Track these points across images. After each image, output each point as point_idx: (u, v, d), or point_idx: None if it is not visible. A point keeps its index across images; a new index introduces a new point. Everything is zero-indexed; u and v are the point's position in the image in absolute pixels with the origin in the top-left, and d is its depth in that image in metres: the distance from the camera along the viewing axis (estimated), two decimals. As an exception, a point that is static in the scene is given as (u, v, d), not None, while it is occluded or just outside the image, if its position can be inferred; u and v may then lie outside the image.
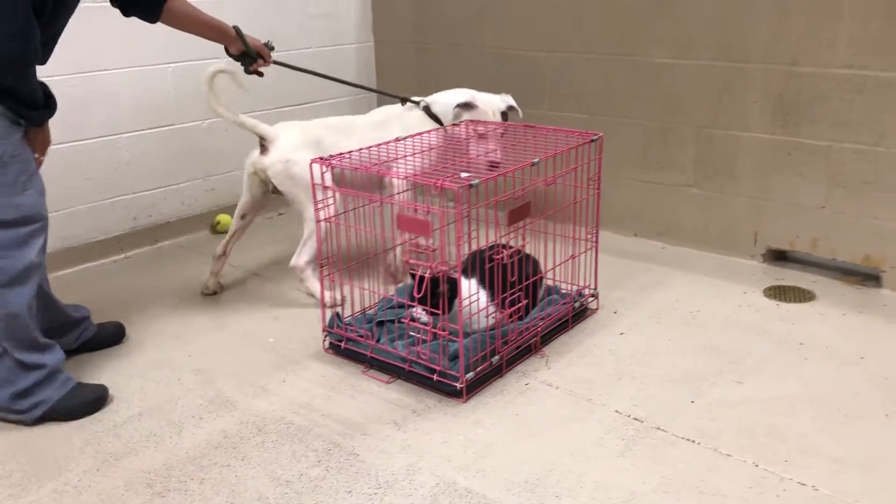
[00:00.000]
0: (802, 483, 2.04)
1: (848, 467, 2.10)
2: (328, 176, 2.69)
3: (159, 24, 2.64)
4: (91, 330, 2.81)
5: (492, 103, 3.25)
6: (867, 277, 3.23)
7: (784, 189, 3.32)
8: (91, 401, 2.45)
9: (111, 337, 2.86)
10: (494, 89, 3.27)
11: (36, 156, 2.41)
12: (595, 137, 2.83)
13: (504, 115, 3.28)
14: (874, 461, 2.12)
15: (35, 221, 2.30)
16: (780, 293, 3.16)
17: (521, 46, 3.96)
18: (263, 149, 3.04)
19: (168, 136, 3.84)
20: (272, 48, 2.98)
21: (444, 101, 3.27)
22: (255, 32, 2.94)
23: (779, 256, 3.46)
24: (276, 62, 3.02)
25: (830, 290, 3.18)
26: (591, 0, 3.66)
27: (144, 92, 3.71)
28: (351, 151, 2.69)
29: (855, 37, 3.00)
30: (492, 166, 2.66)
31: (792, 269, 3.39)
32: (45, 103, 2.39)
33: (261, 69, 2.97)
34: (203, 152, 4.02)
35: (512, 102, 3.30)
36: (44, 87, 2.40)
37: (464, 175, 2.35)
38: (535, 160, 2.56)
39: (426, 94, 3.33)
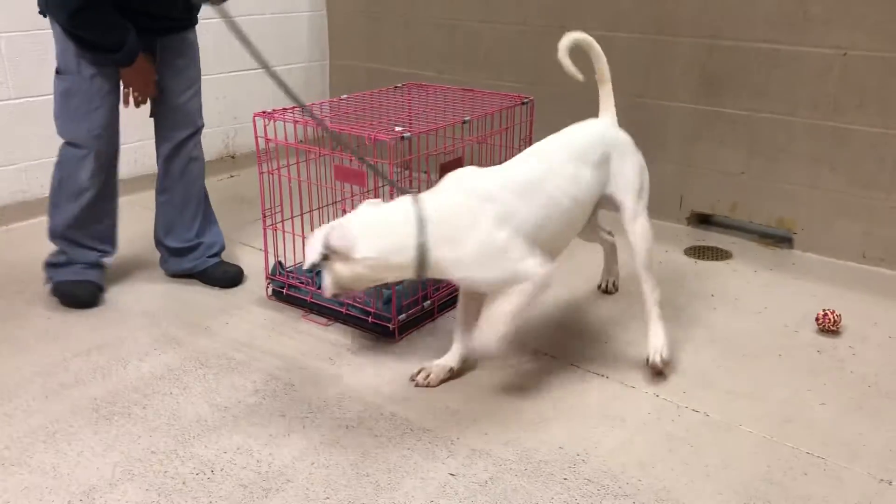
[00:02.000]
0: (696, 410, 2.26)
1: (739, 398, 2.32)
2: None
3: None
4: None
5: None
6: (781, 240, 3.47)
7: (707, 156, 3.54)
8: (81, 295, 2.84)
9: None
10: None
11: (124, 91, 2.67)
12: (526, 101, 3.01)
13: None
14: (763, 393, 2.35)
15: (83, 148, 2.68)
16: (698, 252, 3.39)
17: (464, 17, 4.12)
18: None
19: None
20: None
21: None
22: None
23: (703, 220, 3.69)
24: None
25: (746, 251, 3.41)
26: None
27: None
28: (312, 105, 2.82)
29: (771, 12, 3.21)
30: None
31: (714, 231, 3.62)
32: (118, 48, 2.51)
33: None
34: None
35: None
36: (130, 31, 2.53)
37: (397, 128, 2.51)
38: (466, 118, 2.73)
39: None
